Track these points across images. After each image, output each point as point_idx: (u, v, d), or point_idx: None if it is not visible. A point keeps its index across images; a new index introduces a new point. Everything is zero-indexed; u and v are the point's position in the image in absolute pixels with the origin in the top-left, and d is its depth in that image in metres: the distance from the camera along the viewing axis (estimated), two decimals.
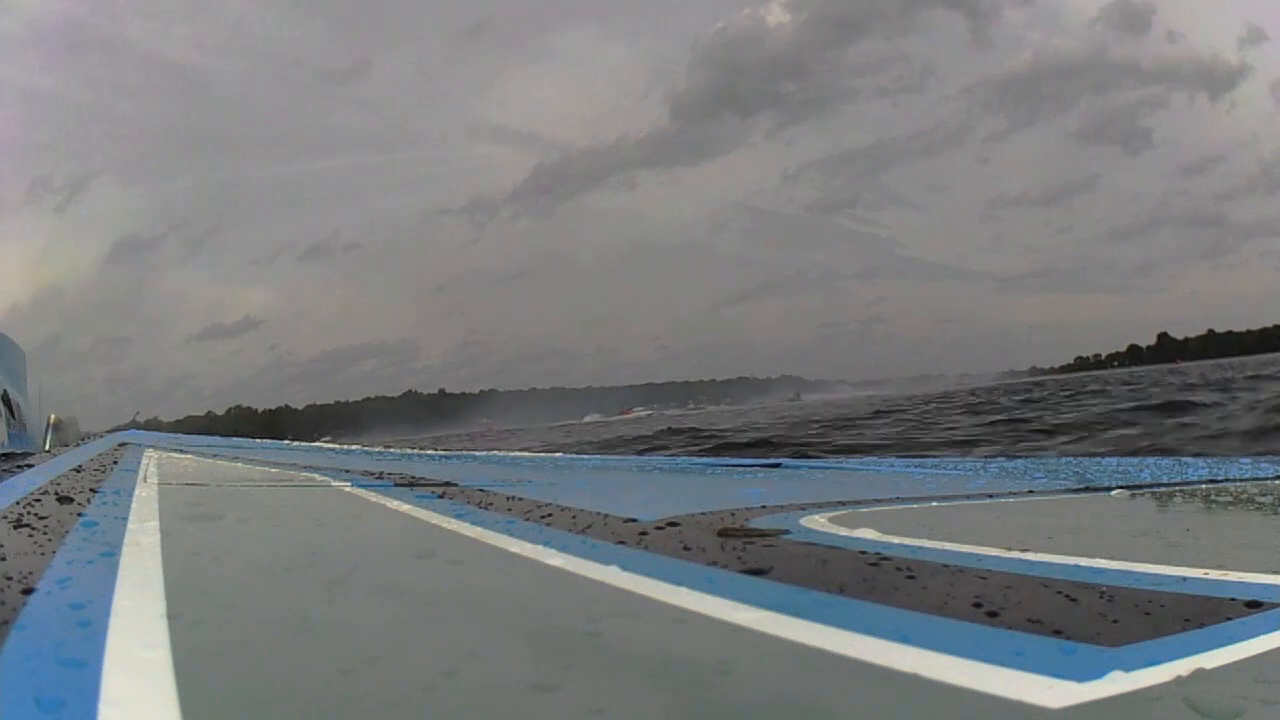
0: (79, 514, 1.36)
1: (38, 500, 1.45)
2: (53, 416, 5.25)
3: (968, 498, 1.90)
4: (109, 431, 5.70)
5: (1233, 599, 0.79)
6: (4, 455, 4.23)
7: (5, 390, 4.53)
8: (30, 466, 2.28)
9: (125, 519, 1.26)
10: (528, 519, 1.33)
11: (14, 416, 4.58)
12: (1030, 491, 1.99)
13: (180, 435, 4.84)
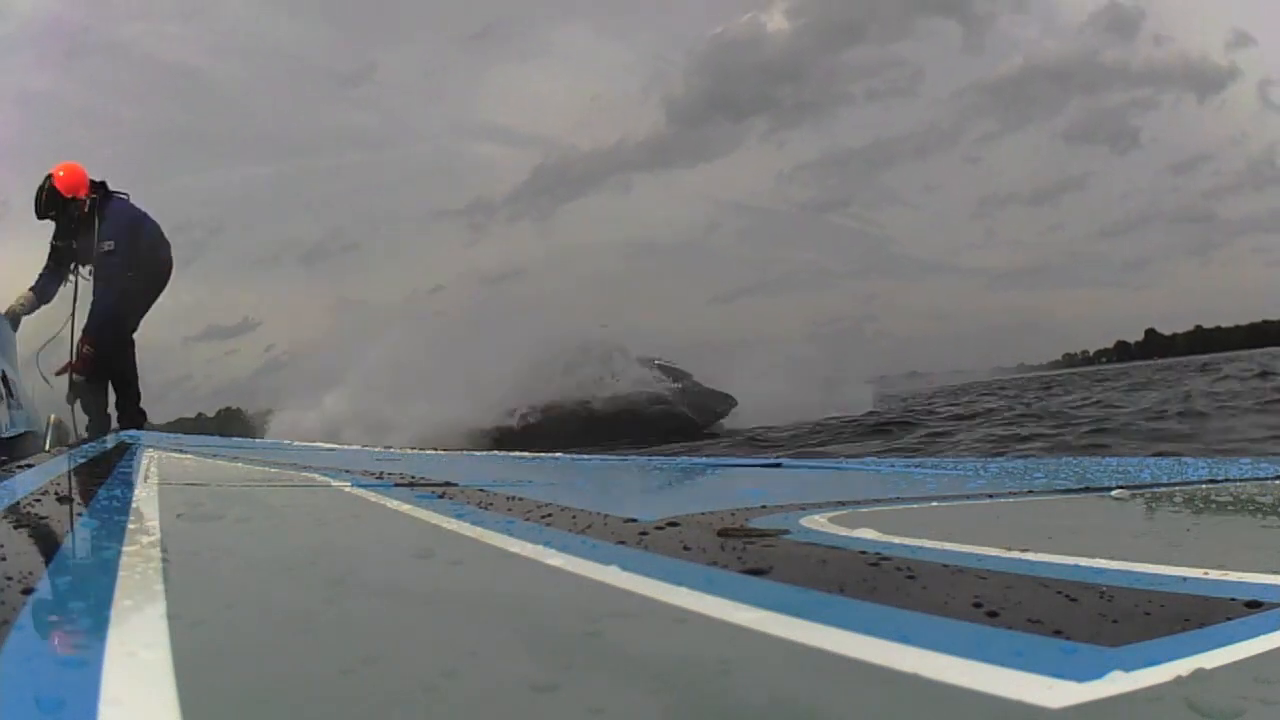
0: (79, 514, 1.36)
1: (38, 500, 1.45)
2: (52, 416, 5.23)
3: (968, 498, 1.90)
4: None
5: (1233, 599, 0.79)
6: (9, 440, 4.13)
7: (4, 370, 4.43)
8: (30, 466, 2.28)
9: (125, 519, 1.26)
10: (528, 519, 1.33)
11: (11, 394, 4.49)
12: (1030, 491, 1.98)
13: (180, 435, 4.83)
